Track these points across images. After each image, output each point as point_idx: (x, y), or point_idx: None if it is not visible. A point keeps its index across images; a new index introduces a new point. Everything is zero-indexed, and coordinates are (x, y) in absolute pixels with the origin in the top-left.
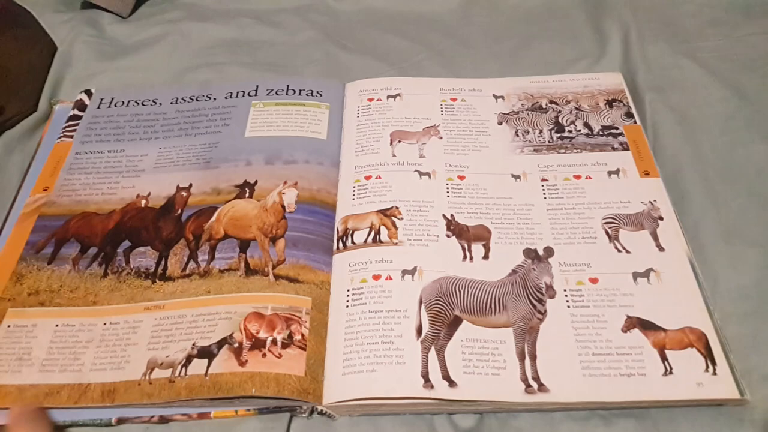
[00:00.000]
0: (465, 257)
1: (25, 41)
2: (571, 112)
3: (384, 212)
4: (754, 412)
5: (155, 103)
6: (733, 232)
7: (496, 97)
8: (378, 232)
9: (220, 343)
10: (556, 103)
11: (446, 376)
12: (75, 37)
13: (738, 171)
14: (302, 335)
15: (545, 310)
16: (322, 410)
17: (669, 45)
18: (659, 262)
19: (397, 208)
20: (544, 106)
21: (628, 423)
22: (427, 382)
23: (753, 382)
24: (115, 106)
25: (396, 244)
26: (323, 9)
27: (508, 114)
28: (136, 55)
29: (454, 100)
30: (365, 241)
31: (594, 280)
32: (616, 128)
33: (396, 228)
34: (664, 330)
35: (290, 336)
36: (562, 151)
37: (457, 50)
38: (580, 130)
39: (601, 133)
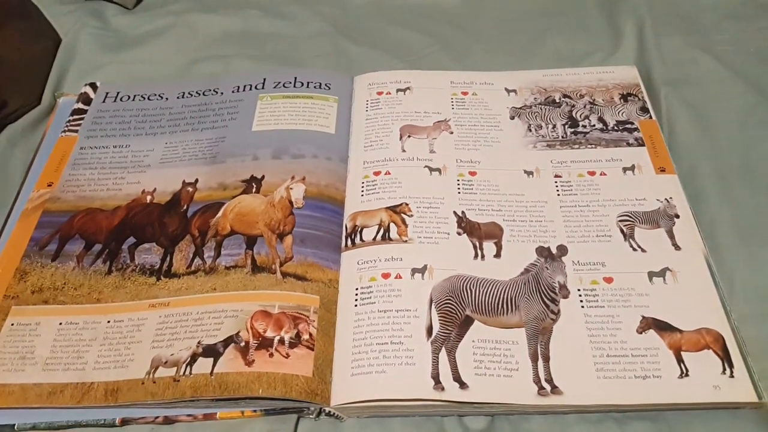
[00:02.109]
0: (476, 255)
1: (29, 33)
2: (585, 107)
3: (393, 209)
4: None
5: (161, 97)
6: (750, 231)
7: (509, 91)
8: (387, 230)
9: (226, 342)
10: (569, 97)
11: (457, 378)
12: (79, 29)
13: (755, 168)
14: (310, 335)
15: (558, 311)
16: (329, 411)
17: (685, 39)
18: (675, 261)
19: (407, 204)
20: (557, 100)
21: (643, 426)
22: (438, 383)
23: None
24: (121, 100)
25: (406, 241)
26: (332, 0)
27: (520, 108)
28: (141, 47)
29: (465, 94)
30: (374, 239)
31: (609, 280)
32: (632, 123)
33: (406, 225)
34: (680, 331)
35: (298, 335)
36: (576, 146)
37: (469, 43)
38: (594, 125)
39: (615, 128)
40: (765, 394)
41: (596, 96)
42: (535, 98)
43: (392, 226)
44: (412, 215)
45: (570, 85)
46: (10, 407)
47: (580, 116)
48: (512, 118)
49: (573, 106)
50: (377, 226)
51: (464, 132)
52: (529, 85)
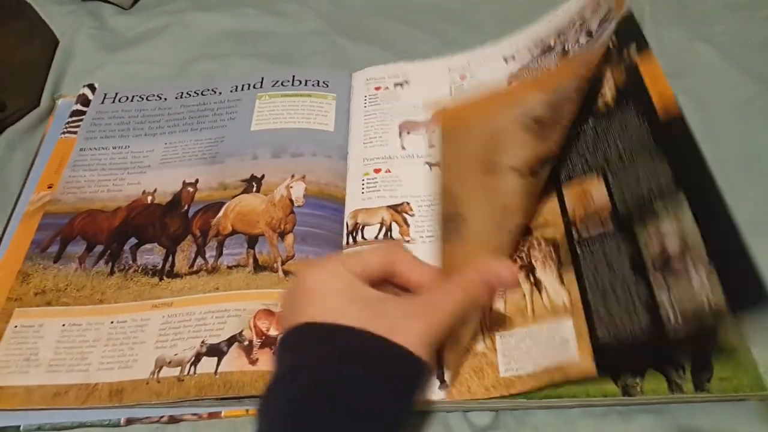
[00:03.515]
0: None
1: (26, 34)
2: (575, 32)
3: (395, 208)
4: None
5: (160, 98)
6: (751, 221)
7: (506, 59)
8: (389, 229)
9: (230, 341)
10: (563, 34)
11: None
12: (76, 30)
13: (756, 158)
14: None
15: None
16: None
17: (684, 29)
18: None
19: (408, 204)
20: (552, 45)
21: (648, 418)
22: (443, 383)
23: None
24: (120, 101)
25: (408, 242)
26: None
27: (516, 73)
28: (139, 47)
29: (463, 78)
30: (376, 238)
31: None
32: None
33: (408, 225)
34: None
35: None
36: None
37: (466, 38)
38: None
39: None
40: None
41: (587, 14)
42: (532, 54)
43: (394, 226)
44: (413, 215)
45: (563, 21)
46: (15, 409)
47: (572, 45)
48: None
49: (566, 39)
50: (379, 225)
51: None
52: (528, 43)
